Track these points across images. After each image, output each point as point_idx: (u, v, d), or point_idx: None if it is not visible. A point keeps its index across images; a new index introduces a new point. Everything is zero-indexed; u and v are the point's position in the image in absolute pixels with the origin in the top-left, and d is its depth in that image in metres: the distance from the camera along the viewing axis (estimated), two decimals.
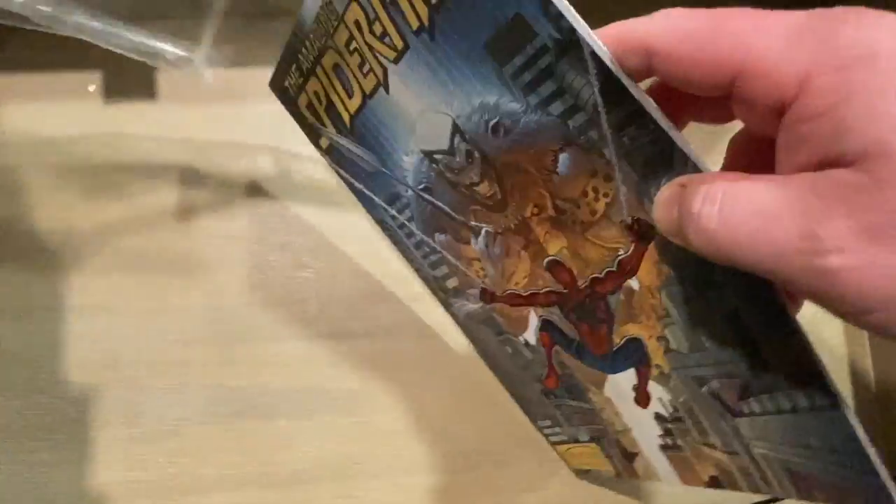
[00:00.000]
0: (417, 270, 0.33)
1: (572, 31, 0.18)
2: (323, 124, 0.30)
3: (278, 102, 0.36)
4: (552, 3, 0.18)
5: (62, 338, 0.39)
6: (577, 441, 0.33)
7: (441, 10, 0.21)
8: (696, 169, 0.19)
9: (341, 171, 0.32)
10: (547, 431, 0.34)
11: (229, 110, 0.40)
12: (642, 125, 0.19)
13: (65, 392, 0.38)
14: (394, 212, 0.31)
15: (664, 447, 0.29)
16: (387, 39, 0.24)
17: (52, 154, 0.40)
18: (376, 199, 0.31)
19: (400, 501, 0.38)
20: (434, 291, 0.34)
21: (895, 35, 0.14)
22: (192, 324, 0.39)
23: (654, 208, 0.21)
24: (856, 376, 0.38)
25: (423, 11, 0.22)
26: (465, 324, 0.33)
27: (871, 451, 0.20)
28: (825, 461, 0.22)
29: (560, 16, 0.18)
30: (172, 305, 0.39)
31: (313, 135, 0.31)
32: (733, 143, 0.23)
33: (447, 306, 0.34)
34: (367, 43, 0.25)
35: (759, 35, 0.16)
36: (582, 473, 0.35)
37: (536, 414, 0.34)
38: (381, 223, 0.33)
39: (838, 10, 0.15)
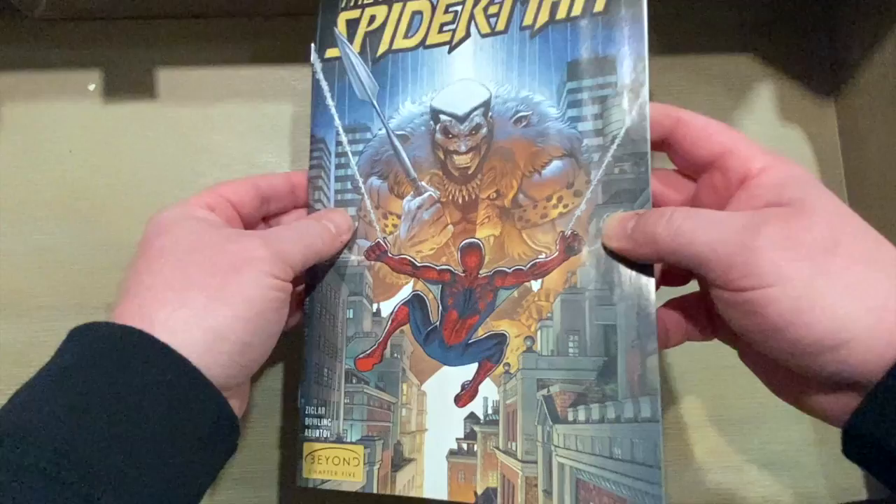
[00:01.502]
0: (315, 202, 0.33)
1: (642, 84, 0.28)
2: (350, 40, 0.33)
3: (277, 102, 0.41)
4: (643, 61, 0.28)
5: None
6: (338, 441, 0.30)
7: (559, 25, 0.30)
8: None
9: (323, 83, 0.33)
10: (310, 422, 0.31)
11: (229, 110, 0.41)
12: (636, 165, 0.28)
13: None
14: (346, 139, 0.33)
15: (455, 452, 0.29)
16: (493, 20, 0.31)
17: (53, 153, 0.40)
18: (337, 121, 0.33)
19: None
20: None
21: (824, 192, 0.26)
22: None
23: (606, 223, 0.28)
24: None
25: (543, 19, 0.30)
26: (326, 273, 0.32)
27: (662, 465, 0.26)
28: (619, 471, 0.26)
29: (644, 70, 0.28)
30: None
31: (328, 42, 0.34)
32: None
33: None
34: (472, 13, 0.31)
35: (749, 143, 0.27)
36: (308, 482, 0.31)
37: (313, 397, 0.31)
38: (319, 141, 0.33)
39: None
